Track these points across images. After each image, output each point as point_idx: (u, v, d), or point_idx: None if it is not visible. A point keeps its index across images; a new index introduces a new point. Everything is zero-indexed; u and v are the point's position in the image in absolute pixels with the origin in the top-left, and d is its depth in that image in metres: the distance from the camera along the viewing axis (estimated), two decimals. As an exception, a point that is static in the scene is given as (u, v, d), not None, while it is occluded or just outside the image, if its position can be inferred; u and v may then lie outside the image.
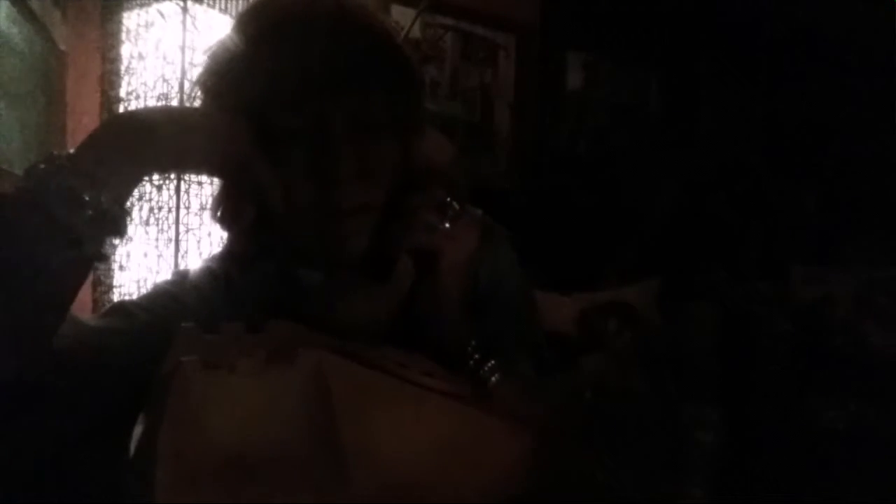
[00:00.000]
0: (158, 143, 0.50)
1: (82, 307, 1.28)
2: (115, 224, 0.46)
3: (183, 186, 1.30)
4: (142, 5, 1.36)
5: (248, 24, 0.60)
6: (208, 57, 0.61)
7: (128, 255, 1.35)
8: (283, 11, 0.58)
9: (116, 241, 0.47)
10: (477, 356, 0.55)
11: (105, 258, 0.47)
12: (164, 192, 1.31)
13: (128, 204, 0.48)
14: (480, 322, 0.62)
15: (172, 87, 1.32)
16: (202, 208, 1.32)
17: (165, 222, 1.31)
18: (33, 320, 0.46)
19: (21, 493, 0.46)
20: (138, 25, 1.37)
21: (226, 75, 0.58)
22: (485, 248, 0.66)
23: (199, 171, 0.87)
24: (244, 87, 0.56)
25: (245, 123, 0.54)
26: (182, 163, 0.56)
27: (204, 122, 0.55)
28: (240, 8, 1.38)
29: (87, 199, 0.44)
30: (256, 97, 0.56)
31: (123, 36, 1.40)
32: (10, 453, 0.46)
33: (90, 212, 0.44)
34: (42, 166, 0.45)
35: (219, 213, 0.62)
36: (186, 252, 1.32)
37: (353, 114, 0.57)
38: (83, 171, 0.45)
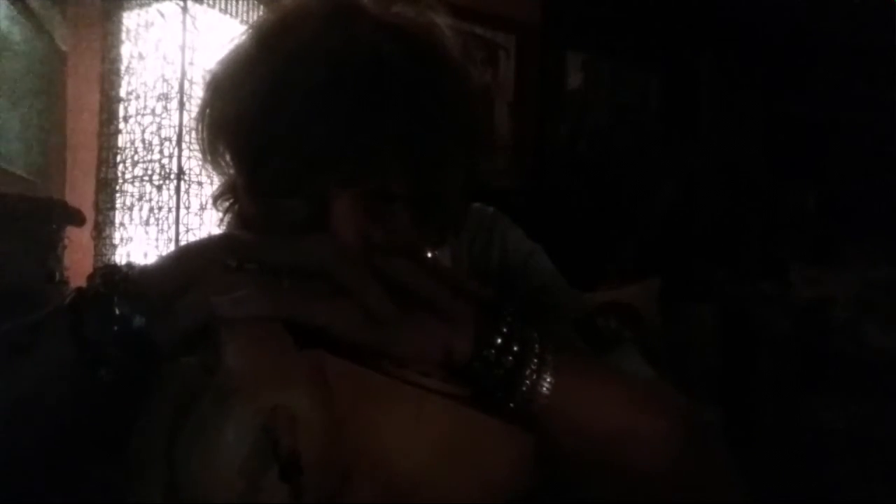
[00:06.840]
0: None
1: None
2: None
3: (183, 186, 1.30)
4: (142, 5, 1.36)
5: (252, 52, 0.49)
6: (211, 80, 0.52)
7: (128, 255, 1.35)
8: (291, 43, 0.46)
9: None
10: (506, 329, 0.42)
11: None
12: (164, 192, 1.31)
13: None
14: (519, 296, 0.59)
15: (172, 87, 1.32)
16: (202, 208, 1.32)
17: (165, 222, 1.31)
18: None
19: (19, 493, 0.47)
20: (138, 25, 1.37)
21: (223, 108, 0.50)
22: (495, 234, 0.65)
23: None
24: (237, 123, 0.48)
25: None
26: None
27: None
28: (240, 8, 1.38)
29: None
30: (250, 143, 0.47)
31: (123, 36, 1.40)
32: (8, 452, 0.46)
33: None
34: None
35: None
36: (186, 252, 1.31)
37: (359, 189, 0.45)
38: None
